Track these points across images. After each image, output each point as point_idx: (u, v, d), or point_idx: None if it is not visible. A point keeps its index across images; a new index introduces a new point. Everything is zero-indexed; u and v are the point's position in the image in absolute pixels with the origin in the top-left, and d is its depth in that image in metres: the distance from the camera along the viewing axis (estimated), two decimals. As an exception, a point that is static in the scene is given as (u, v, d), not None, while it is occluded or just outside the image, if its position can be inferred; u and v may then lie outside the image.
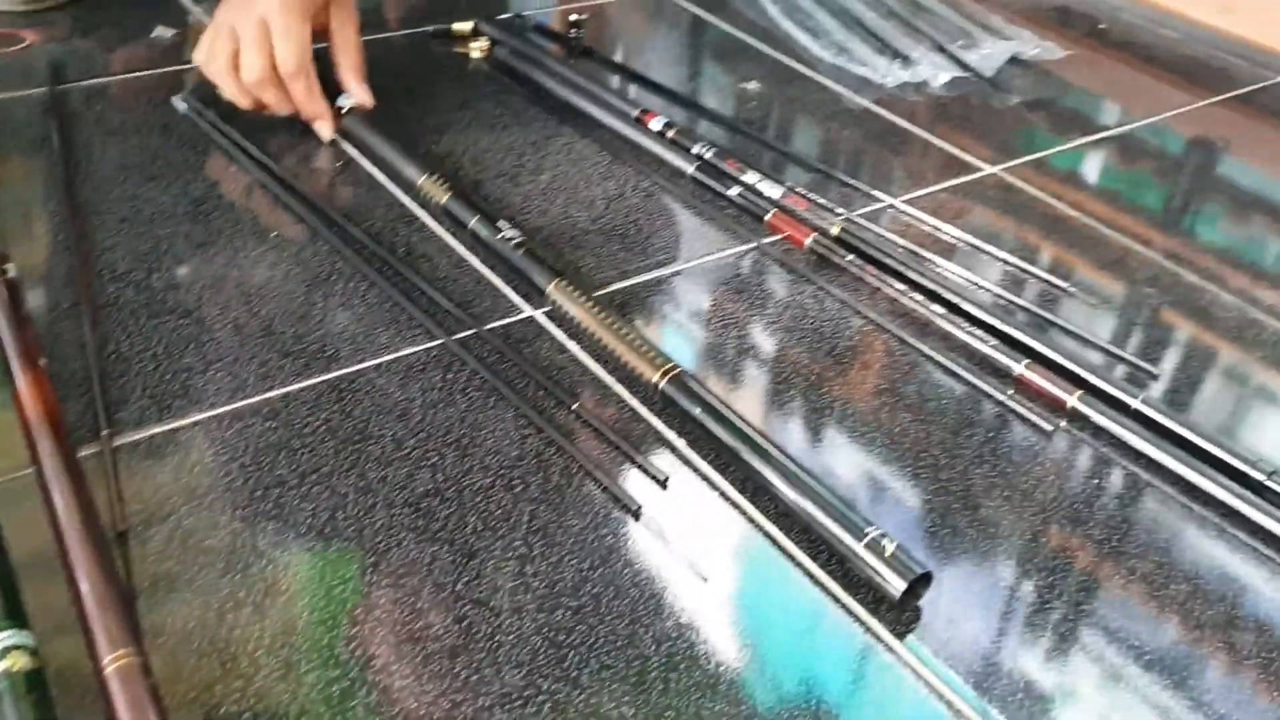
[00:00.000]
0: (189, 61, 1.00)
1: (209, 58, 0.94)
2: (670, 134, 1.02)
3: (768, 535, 0.64)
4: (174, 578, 0.58)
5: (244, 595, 0.57)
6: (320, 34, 0.97)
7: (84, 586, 0.54)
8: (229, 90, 0.95)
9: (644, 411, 0.72)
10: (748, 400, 0.75)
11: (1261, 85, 1.30)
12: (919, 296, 0.84)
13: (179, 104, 0.98)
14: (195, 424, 0.67)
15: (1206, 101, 1.26)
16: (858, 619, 0.60)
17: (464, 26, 1.19)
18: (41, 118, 0.97)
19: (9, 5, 1.14)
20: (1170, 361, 0.83)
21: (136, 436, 0.66)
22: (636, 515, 0.64)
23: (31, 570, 0.57)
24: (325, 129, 0.97)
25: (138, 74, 1.06)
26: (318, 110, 0.97)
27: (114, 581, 0.54)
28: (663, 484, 0.67)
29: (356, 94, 0.99)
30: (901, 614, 0.60)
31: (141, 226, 0.84)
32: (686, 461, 0.69)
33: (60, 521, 0.57)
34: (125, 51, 1.10)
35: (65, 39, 1.12)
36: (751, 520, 0.65)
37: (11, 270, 0.74)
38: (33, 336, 0.69)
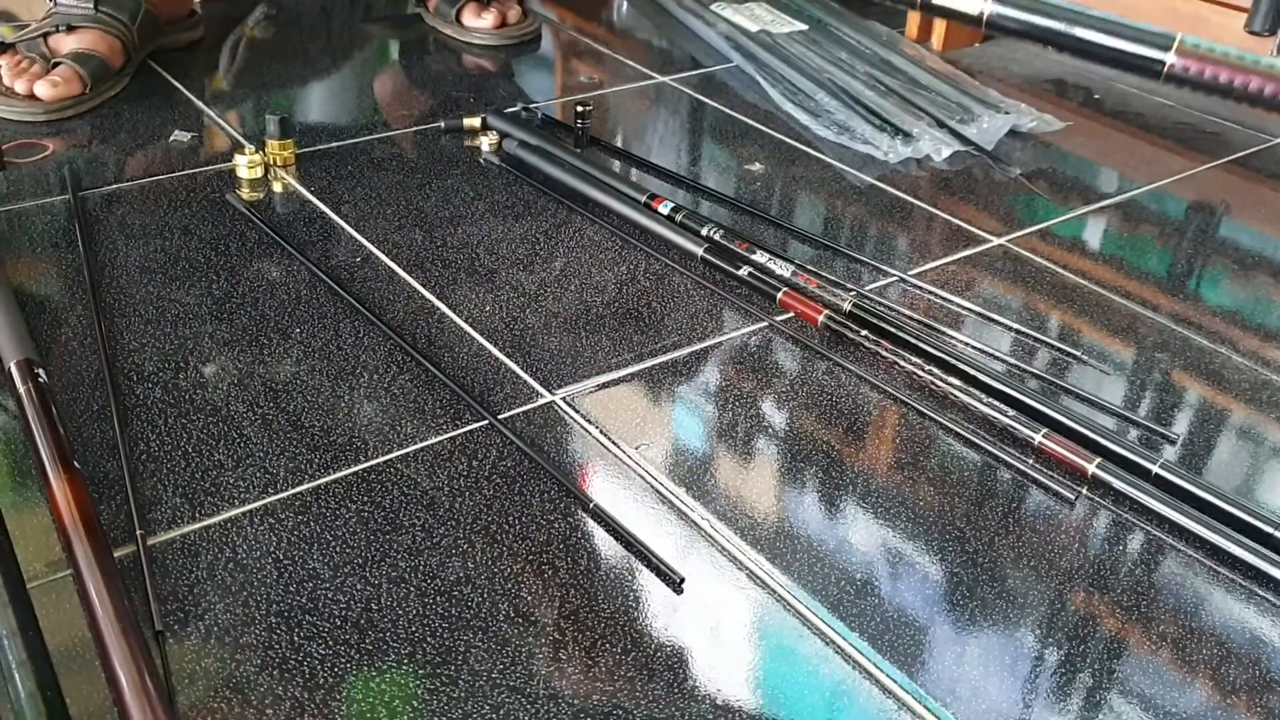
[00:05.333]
0: (207, 164, 1.03)
1: None
2: (679, 217, 1.04)
3: (796, 613, 0.65)
4: (212, 675, 0.58)
5: (282, 691, 0.58)
6: None
7: (124, 686, 0.55)
8: None
9: (670, 486, 0.73)
10: (768, 477, 0.76)
11: (1257, 149, 1.33)
12: (934, 369, 0.85)
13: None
14: (228, 520, 0.68)
15: (1204, 166, 1.28)
16: (889, 693, 0.60)
17: (473, 121, 1.22)
18: (64, 224, 1.00)
19: (28, 115, 1.16)
20: (1186, 425, 0.84)
21: (170, 535, 0.67)
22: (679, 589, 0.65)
23: (72, 669, 0.58)
24: None
25: (156, 178, 1.08)
26: None
27: (154, 680, 0.55)
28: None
29: None
30: (933, 685, 0.61)
31: (166, 327, 0.86)
32: (713, 539, 0.69)
33: (99, 622, 0.58)
34: (143, 156, 1.13)
35: (85, 145, 1.14)
36: (780, 597, 0.66)
37: (42, 375, 0.76)
38: (65, 440, 0.71)
